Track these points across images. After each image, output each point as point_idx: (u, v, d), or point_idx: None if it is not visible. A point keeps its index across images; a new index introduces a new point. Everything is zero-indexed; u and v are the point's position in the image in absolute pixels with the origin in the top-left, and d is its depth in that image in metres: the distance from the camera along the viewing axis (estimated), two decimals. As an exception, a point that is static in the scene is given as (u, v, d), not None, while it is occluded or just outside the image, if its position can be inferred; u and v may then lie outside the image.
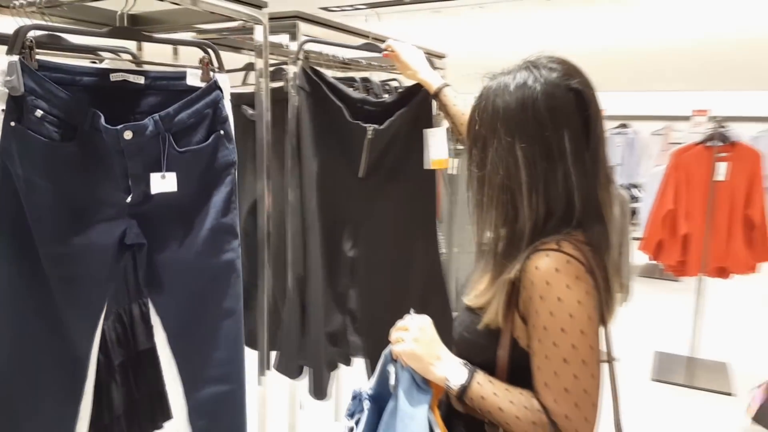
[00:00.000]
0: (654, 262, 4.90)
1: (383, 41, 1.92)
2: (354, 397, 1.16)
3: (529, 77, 1.01)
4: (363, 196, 1.80)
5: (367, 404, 1.13)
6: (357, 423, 1.14)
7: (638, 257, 4.62)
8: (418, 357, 1.04)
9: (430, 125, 1.81)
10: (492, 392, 0.99)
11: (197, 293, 1.42)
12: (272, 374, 1.83)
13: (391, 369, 1.09)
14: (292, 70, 1.80)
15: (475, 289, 1.12)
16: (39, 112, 1.16)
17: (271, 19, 1.65)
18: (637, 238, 4.09)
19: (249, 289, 2.07)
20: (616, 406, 1.10)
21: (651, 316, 5.10)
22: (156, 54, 1.77)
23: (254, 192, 2.08)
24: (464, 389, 1.00)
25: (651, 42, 7.03)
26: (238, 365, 1.52)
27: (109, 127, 1.24)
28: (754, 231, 3.67)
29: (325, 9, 7.71)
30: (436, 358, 1.04)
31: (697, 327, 3.89)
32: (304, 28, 1.77)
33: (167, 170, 1.32)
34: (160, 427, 1.86)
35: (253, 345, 2.01)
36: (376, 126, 1.71)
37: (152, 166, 1.31)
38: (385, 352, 1.13)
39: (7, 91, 1.12)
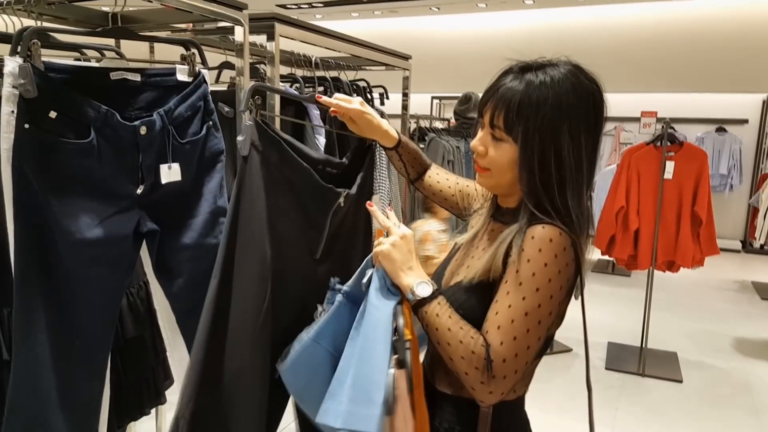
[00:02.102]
0: (606, 257, 5.11)
1: (362, 44, 1.97)
2: (330, 289, 1.23)
3: (580, 75, 1.07)
4: (315, 281, 1.40)
5: (339, 297, 1.19)
6: (326, 310, 1.21)
7: (590, 253, 4.79)
8: (392, 259, 1.09)
9: (373, 188, 1.57)
10: (447, 315, 1.05)
11: (202, 273, 1.51)
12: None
13: (368, 271, 1.14)
14: (267, 70, 1.85)
15: (464, 264, 1.19)
16: (53, 113, 1.20)
17: (250, 20, 1.71)
18: (590, 235, 4.24)
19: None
20: (587, 362, 1.22)
21: (604, 308, 5.30)
22: (131, 51, 1.80)
23: (228, 184, 2.13)
24: (423, 302, 1.06)
25: (599, 45, 7.28)
26: None
27: (127, 123, 1.32)
28: (701, 227, 3.87)
29: (282, 6, 7.72)
30: (408, 267, 1.10)
31: (648, 319, 4.07)
32: (280, 29, 1.83)
33: (172, 161, 1.39)
34: (147, 412, 1.92)
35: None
36: (348, 190, 1.43)
37: (160, 158, 1.41)
38: (367, 258, 1.18)
39: (17, 93, 1.15)
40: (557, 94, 1.04)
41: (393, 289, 1.10)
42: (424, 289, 1.07)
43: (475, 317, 1.07)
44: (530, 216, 1.06)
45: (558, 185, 1.05)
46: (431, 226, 3.14)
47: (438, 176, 1.50)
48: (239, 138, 1.21)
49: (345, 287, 1.20)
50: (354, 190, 1.46)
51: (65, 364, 1.33)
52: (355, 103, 1.36)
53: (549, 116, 1.03)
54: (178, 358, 1.61)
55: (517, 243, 1.04)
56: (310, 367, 1.20)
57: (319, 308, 1.24)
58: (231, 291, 1.26)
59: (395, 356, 1.04)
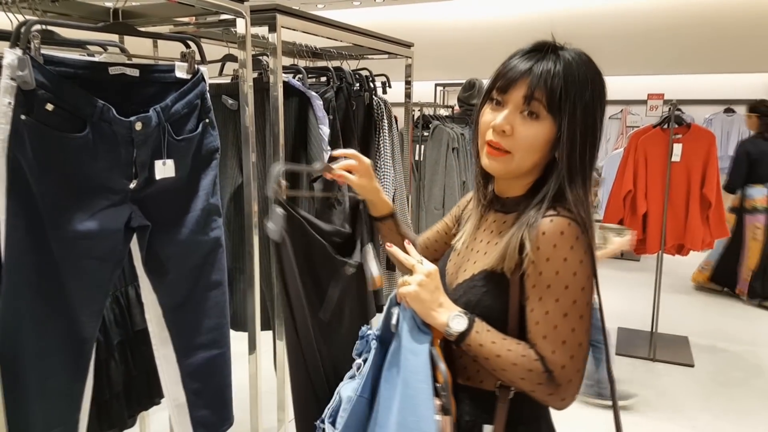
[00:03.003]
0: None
1: (364, 33, 1.95)
2: (361, 337, 1.22)
3: (595, 65, 1.08)
4: (324, 350, 1.46)
5: (374, 343, 1.16)
6: (365, 361, 1.18)
7: (599, 238, 4.78)
8: (421, 300, 1.05)
9: (365, 240, 1.51)
10: (490, 340, 1.03)
11: (191, 268, 1.56)
12: (259, 353, 1.90)
13: (395, 311, 1.11)
14: (271, 61, 1.85)
15: (469, 260, 1.17)
16: (50, 106, 1.21)
17: (251, 11, 1.70)
18: (598, 220, 4.24)
19: (231, 273, 2.14)
20: (608, 352, 1.21)
21: (613, 294, 5.29)
22: (135, 47, 1.80)
23: (235, 179, 2.13)
24: (463, 336, 1.03)
25: (605, 27, 7.22)
26: (224, 331, 1.68)
27: (122, 118, 1.32)
28: (710, 209, 3.84)
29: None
30: (438, 304, 1.06)
31: (658, 303, 4.06)
32: (282, 20, 1.82)
33: (167, 157, 1.40)
34: (157, 402, 1.95)
35: (236, 327, 2.09)
36: (352, 261, 1.45)
37: (154, 154, 1.41)
38: (391, 296, 1.15)
39: (15, 84, 1.16)
40: (593, 76, 1.05)
41: (424, 328, 1.08)
42: (460, 323, 1.04)
43: (493, 315, 1.07)
44: (551, 201, 1.05)
45: (591, 162, 1.07)
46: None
47: (426, 237, 1.46)
48: (272, 226, 1.26)
49: (375, 331, 1.18)
50: (356, 258, 1.46)
51: (50, 354, 1.34)
52: (366, 160, 1.35)
53: (590, 96, 1.04)
54: (163, 353, 1.61)
55: (530, 238, 1.02)
56: (358, 422, 1.17)
57: (357, 360, 1.22)
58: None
59: (439, 402, 1.03)
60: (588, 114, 1.04)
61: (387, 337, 1.15)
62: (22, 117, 1.19)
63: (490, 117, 1.08)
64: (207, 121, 1.54)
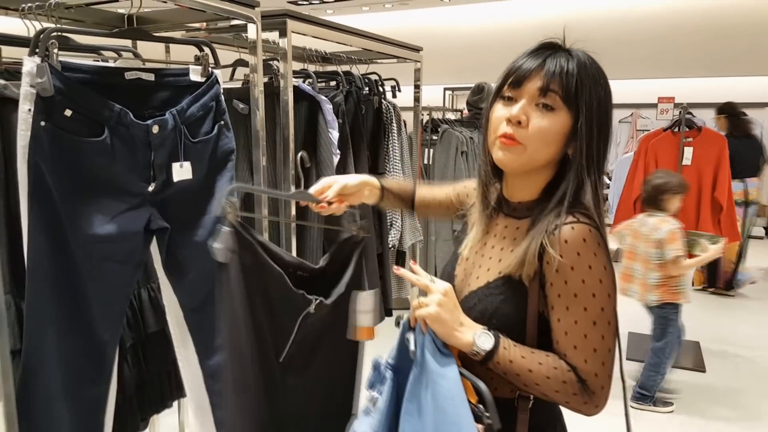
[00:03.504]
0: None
1: (373, 38, 1.96)
2: (374, 368, 1.14)
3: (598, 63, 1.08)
4: (279, 389, 1.36)
5: (389, 374, 1.10)
6: (381, 393, 1.12)
7: (610, 243, 4.75)
8: (442, 321, 1.02)
9: (360, 284, 1.37)
10: (519, 355, 1.01)
11: (210, 269, 1.54)
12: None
13: (411, 336, 1.06)
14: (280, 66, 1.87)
15: (481, 267, 1.15)
16: (68, 112, 1.23)
17: (262, 17, 1.72)
18: (607, 225, 4.22)
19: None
20: (620, 354, 1.17)
21: (624, 298, 5.25)
22: (148, 51, 1.83)
23: (246, 180, 2.15)
24: (491, 354, 1.01)
25: (614, 31, 7.21)
26: None
27: (140, 122, 1.35)
28: (722, 213, 3.82)
29: (293, 3, 7.75)
30: (460, 323, 1.03)
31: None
32: (292, 25, 1.84)
33: (184, 160, 1.42)
34: (169, 405, 1.96)
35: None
36: (322, 299, 1.32)
37: (171, 156, 1.44)
38: (403, 321, 1.10)
39: (35, 92, 1.18)
40: (602, 74, 1.06)
41: (444, 350, 1.03)
42: (486, 342, 1.02)
43: (510, 323, 1.06)
44: (558, 203, 1.04)
45: (605, 157, 1.07)
46: (672, 223, 3.07)
47: (426, 190, 1.46)
48: (216, 245, 1.16)
49: (389, 360, 1.12)
50: (332, 298, 1.33)
51: (73, 357, 1.36)
52: (335, 186, 1.29)
53: (603, 92, 1.04)
54: (185, 355, 1.64)
55: (552, 246, 1.00)
56: None
57: (372, 394, 1.13)
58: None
59: (481, 426, 0.99)
60: (603, 110, 1.04)
61: (402, 366, 1.09)
62: (42, 123, 1.22)
63: (504, 111, 1.06)
64: (222, 123, 1.57)
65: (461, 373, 1.01)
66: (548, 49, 1.06)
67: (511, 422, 1.08)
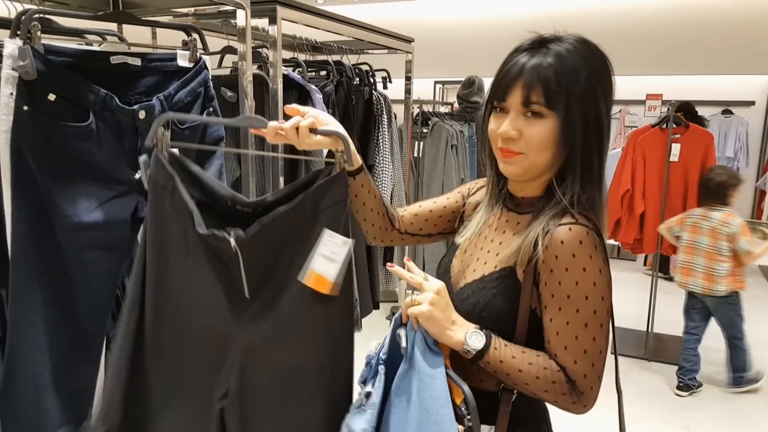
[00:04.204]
0: (611, 241, 5.08)
1: (364, 27, 1.94)
2: (367, 363, 1.15)
3: (589, 43, 1.06)
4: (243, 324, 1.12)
5: (381, 368, 1.10)
6: (374, 388, 1.11)
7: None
8: (434, 319, 1.02)
9: (338, 225, 1.11)
10: (510, 355, 1.02)
11: None
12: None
13: (402, 332, 1.07)
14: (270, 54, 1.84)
15: (478, 260, 1.15)
16: (52, 96, 1.20)
17: (252, 3, 1.69)
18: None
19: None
20: (616, 364, 1.20)
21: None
22: (134, 36, 1.79)
23: (233, 172, 2.12)
24: (482, 353, 1.02)
25: (603, 27, 7.21)
26: None
27: (125, 107, 1.32)
28: (707, 209, 3.84)
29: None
30: (452, 322, 1.04)
31: (654, 303, 4.06)
32: (282, 12, 1.81)
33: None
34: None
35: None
36: (238, 230, 1.06)
37: None
38: (395, 316, 1.11)
39: (17, 75, 1.15)
40: (586, 61, 1.03)
41: (435, 348, 1.05)
42: (478, 340, 1.03)
43: (501, 317, 1.07)
44: (570, 205, 1.04)
45: (598, 151, 1.05)
46: (738, 216, 3.24)
47: (419, 205, 1.36)
48: (141, 174, 1.07)
49: (382, 355, 1.11)
50: (254, 231, 1.06)
51: (60, 347, 1.34)
52: (304, 121, 1.12)
53: (586, 82, 1.02)
54: None
55: (548, 246, 1.01)
56: None
57: (366, 389, 1.11)
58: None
59: (462, 427, 1.00)
60: (587, 98, 1.02)
61: (394, 361, 1.10)
62: (25, 108, 1.19)
63: (495, 125, 1.08)
64: (211, 109, 1.55)
65: (448, 374, 1.02)
66: (527, 50, 1.05)
67: (495, 415, 1.09)
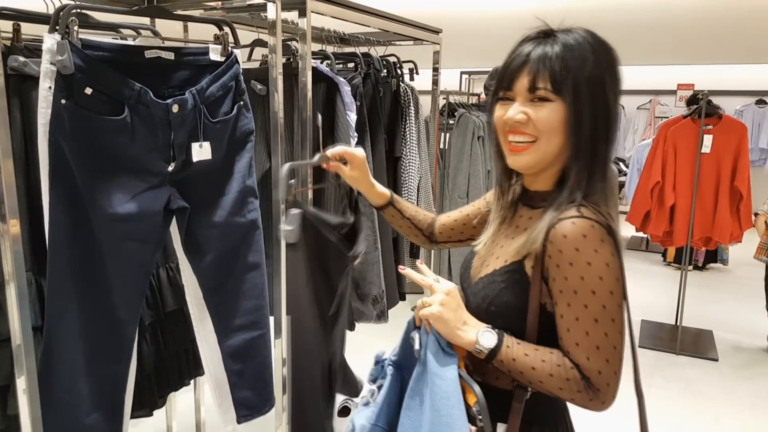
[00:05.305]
0: (640, 234, 5.02)
1: (392, 19, 1.93)
2: (377, 363, 1.17)
3: (596, 35, 1.06)
4: (328, 341, 1.48)
5: (390, 369, 1.12)
6: (380, 388, 1.14)
7: (625, 230, 4.74)
8: (445, 321, 1.03)
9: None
10: (523, 353, 1.01)
11: (230, 251, 1.57)
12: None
13: (415, 335, 1.08)
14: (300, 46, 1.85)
15: (492, 255, 1.15)
16: (89, 90, 1.23)
17: (282, -4, 1.70)
18: (623, 212, 4.19)
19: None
20: (636, 366, 1.16)
21: (638, 286, 5.24)
22: (165, 29, 1.82)
23: (263, 164, 2.14)
24: (494, 352, 1.02)
25: (636, 16, 7.09)
26: (263, 313, 1.70)
27: (159, 101, 1.34)
28: (741, 202, 3.78)
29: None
30: (463, 322, 1.05)
31: (683, 296, 4.01)
32: (312, 5, 1.82)
33: (203, 140, 1.41)
34: (187, 383, 1.98)
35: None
36: (359, 251, 1.44)
37: (191, 136, 1.43)
38: (409, 319, 1.12)
39: (55, 69, 1.18)
40: (594, 50, 1.02)
41: (449, 350, 1.05)
42: (489, 339, 1.03)
43: (510, 312, 1.07)
44: (569, 193, 1.03)
45: (606, 140, 1.05)
46: None
47: (448, 215, 1.43)
48: (287, 227, 1.20)
49: (392, 356, 1.13)
50: (359, 251, 1.43)
51: (94, 335, 1.38)
52: (360, 151, 1.33)
53: (593, 69, 1.01)
54: (204, 334, 1.65)
55: (553, 240, 1.00)
56: None
57: (369, 387, 1.17)
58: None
59: (474, 428, 1.00)
60: (595, 85, 1.02)
61: (405, 362, 1.11)
62: (62, 101, 1.22)
63: (502, 112, 1.08)
64: (242, 103, 1.56)
65: (460, 375, 1.02)
66: (533, 40, 1.06)
67: (507, 412, 1.08)
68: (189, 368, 1.83)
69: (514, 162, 1.09)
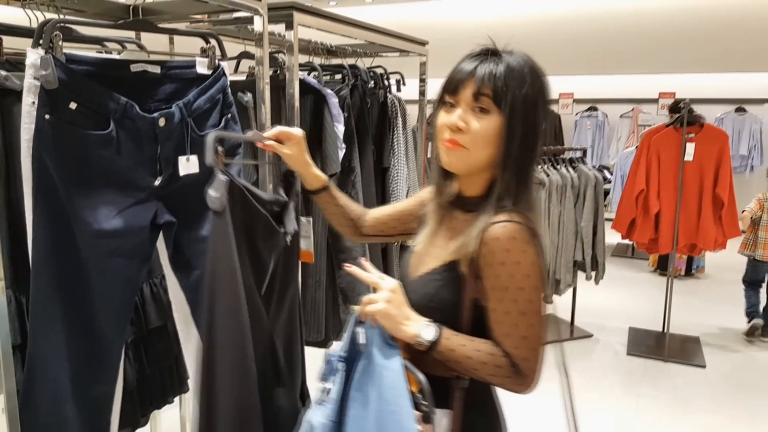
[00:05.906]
0: (626, 241, 5.05)
1: (379, 31, 1.93)
2: (327, 362, 1.21)
3: (534, 60, 1.16)
4: (263, 322, 1.44)
5: (341, 365, 1.17)
6: (333, 384, 1.18)
7: (611, 237, 4.76)
8: (390, 316, 1.11)
9: (299, 213, 1.56)
10: (460, 344, 1.11)
11: None
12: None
13: (360, 330, 1.15)
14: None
15: (430, 255, 1.23)
16: (73, 104, 1.20)
17: (268, 9, 1.69)
18: (608, 219, 4.22)
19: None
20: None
21: (624, 293, 5.27)
22: (151, 43, 1.80)
23: (249, 176, 2.13)
24: (434, 344, 1.10)
25: (618, 25, 7.18)
26: None
27: (146, 115, 1.32)
28: (723, 209, 3.82)
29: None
30: (406, 317, 1.13)
31: (670, 303, 4.03)
32: (299, 18, 1.82)
33: (191, 153, 1.39)
34: (170, 401, 1.94)
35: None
36: (290, 230, 1.44)
37: (178, 150, 1.41)
38: (353, 315, 1.18)
39: (38, 84, 1.16)
40: (532, 73, 1.13)
41: (391, 342, 1.12)
42: (430, 332, 1.11)
43: (447, 308, 1.16)
44: (498, 200, 1.13)
45: (531, 156, 1.15)
46: None
47: (381, 210, 1.51)
48: (214, 194, 1.14)
49: (342, 353, 1.18)
50: (294, 226, 1.45)
51: (80, 355, 1.35)
52: (298, 130, 1.37)
53: (530, 90, 1.11)
54: (192, 350, 1.63)
55: (485, 242, 1.10)
56: None
57: (325, 385, 1.19)
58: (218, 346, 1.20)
59: (419, 413, 1.07)
60: (529, 104, 1.11)
61: (354, 357, 1.17)
62: (46, 116, 1.19)
63: (445, 119, 1.16)
64: (229, 115, 1.55)
65: (404, 365, 1.10)
66: (480, 55, 1.15)
67: (449, 399, 1.18)
68: (173, 385, 1.80)
69: (446, 159, 1.17)
